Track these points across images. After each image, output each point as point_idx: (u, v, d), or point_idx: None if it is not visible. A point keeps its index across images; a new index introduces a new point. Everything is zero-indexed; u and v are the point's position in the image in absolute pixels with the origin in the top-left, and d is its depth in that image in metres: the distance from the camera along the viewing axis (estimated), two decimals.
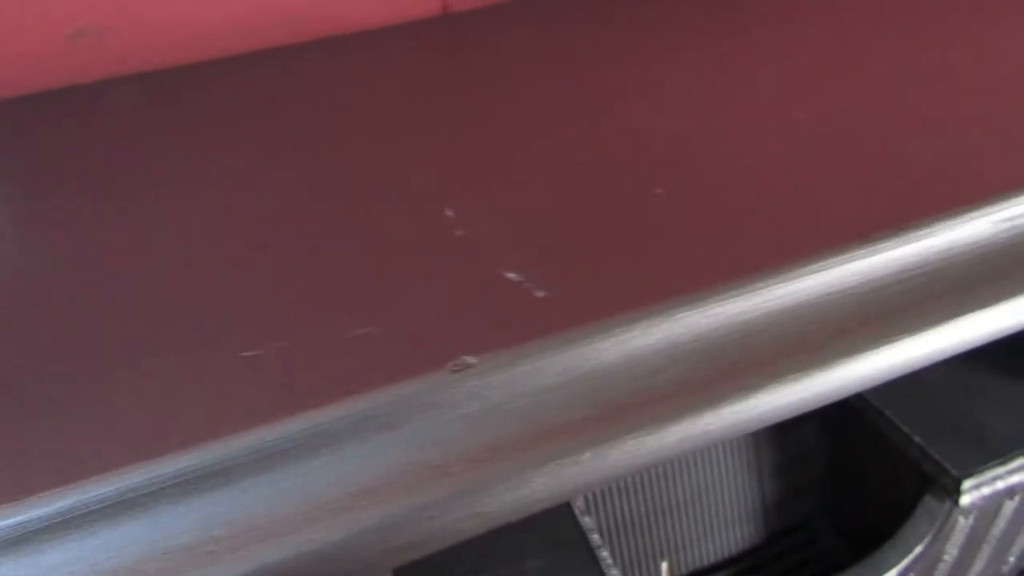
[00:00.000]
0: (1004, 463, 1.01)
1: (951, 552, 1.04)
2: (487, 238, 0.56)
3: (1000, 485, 1.01)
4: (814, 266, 0.52)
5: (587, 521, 0.96)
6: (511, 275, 0.53)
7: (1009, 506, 1.04)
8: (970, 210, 0.55)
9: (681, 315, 0.51)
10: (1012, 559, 1.13)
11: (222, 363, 0.49)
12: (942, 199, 0.56)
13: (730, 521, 1.19)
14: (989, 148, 0.61)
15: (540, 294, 0.51)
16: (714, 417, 0.50)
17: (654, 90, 0.72)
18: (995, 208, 0.55)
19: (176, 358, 0.49)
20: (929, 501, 1.03)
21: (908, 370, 0.53)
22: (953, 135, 0.63)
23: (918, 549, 1.01)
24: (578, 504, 0.99)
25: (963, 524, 1.03)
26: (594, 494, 1.09)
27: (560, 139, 0.66)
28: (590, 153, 0.64)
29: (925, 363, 0.52)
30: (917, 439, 1.04)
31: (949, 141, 0.62)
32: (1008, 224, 0.56)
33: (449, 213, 0.58)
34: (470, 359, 0.47)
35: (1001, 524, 1.06)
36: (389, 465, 0.46)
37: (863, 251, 0.53)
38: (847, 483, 1.20)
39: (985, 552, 1.08)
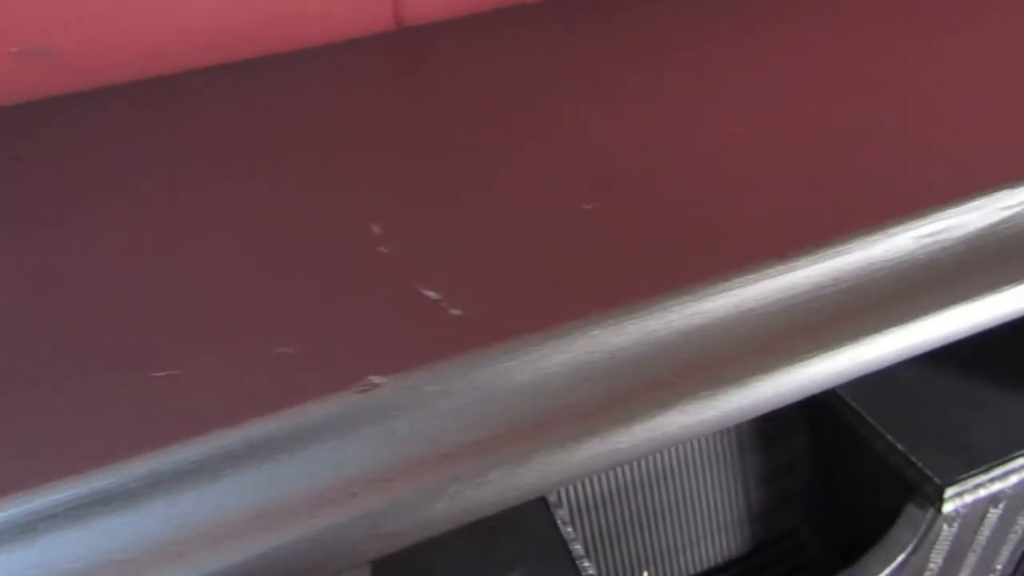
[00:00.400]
0: (987, 471, 1.00)
1: (936, 561, 1.03)
2: (411, 255, 0.56)
3: (983, 493, 1.00)
4: (728, 283, 0.52)
5: (569, 531, 0.96)
6: (430, 293, 0.52)
7: (994, 514, 1.03)
8: (891, 225, 0.54)
9: (594, 333, 0.50)
10: (999, 567, 1.12)
11: (134, 384, 0.48)
12: (864, 214, 0.55)
13: (715, 530, 1.18)
14: (915, 162, 0.60)
15: (456, 312, 0.51)
16: (626, 435, 0.50)
17: (602, 106, 0.71)
18: (916, 223, 0.55)
19: (88, 379, 0.49)
20: (912, 509, 1.02)
21: (824, 387, 0.52)
22: (879, 148, 0.62)
23: (901, 557, 1.00)
24: (560, 513, 0.98)
25: (947, 532, 1.02)
26: (577, 503, 1.09)
27: (501, 155, 0.65)
28: (529, 169, 0.63)
29: (842, 380, 0.51)
30: (900, 447, 1.03)
31: (876, 154, 0.61)
32: (930, 240, 0.55)
33: (376, 230, 0.58)
34: (378, 379, 0.47)
35: (986, 532, 1.05)
36: (293, 487, 0.46)
37: (779, 268, 0.52)
38: (833, 491, 1.19)
39: (971, 560, 1.08)
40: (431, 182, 0.62)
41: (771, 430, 1.15)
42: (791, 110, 0.67)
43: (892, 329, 0.53)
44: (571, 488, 1.06)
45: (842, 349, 0.52)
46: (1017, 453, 1.01)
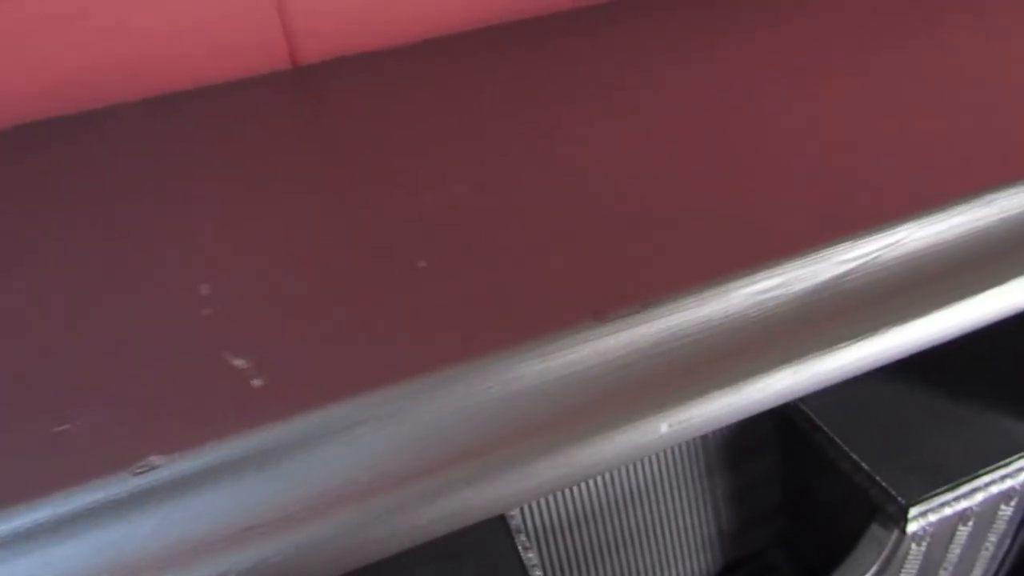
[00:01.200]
0: (952, 489, 0.96)
1: None
2: (232, 319, 0.52)
3: (949, 511, 0.96)
4: (547, 347, 0.48)
5: (531, 557, 0.93)
6: (237, 362, 0.49)
7: (963, 532, 1.00)
8: (723, 282, 0.50)
9: (398, 405, 0.47)
10: None
11: None
12: (695, 270, 0.51)
13: (685, 552, 1.16)
14: (759, 215, 0.56)
15: (257, 383, 0.48)
16: (429, 511, 0.46)
17: (473, 155, 0.67)
18: (751, 279, 0.51)
19: None
20: (876, 529, 1.00)
21: (645, 454, 0.48)
22: (716, 200, 0.58)
23: None
24: (521, 539, 0.96)
25: (916, 551, 0.99)
26: (542, 527, 1.06)
27: (357, 209, 0.61)
28: (376, 225, 0.60)
29: (669, 445, 0.48)
30: (865, 466, 1.00)
31: (712, 205, 0.57)
32: (764, 296, 0.51)
33: (205, 290, 0.55)
34: (157, 460, 0.44)
35: (956, 550, 1.02)
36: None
37: (600, 330, 0.49)
38: (803, 511, 1.17)
39: None
40: (280, 236, 0.59)
41: (740, 450, 1.13)
42: (630, 159, 0.63)
43: (724, 389, 0.49)
44: (534, 512, 1.04)
45: (670, 411, 0.48)
46: (982, 471, 0.97)
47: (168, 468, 0.43)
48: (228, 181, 0.64)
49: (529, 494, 0.44)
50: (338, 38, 0.74)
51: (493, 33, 0.86)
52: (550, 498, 1.04)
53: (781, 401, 0.47)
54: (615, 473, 1.08)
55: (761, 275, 0.48)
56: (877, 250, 0.50)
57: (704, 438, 1.11)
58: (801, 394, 0.47)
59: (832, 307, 0.50)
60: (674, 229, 0.53)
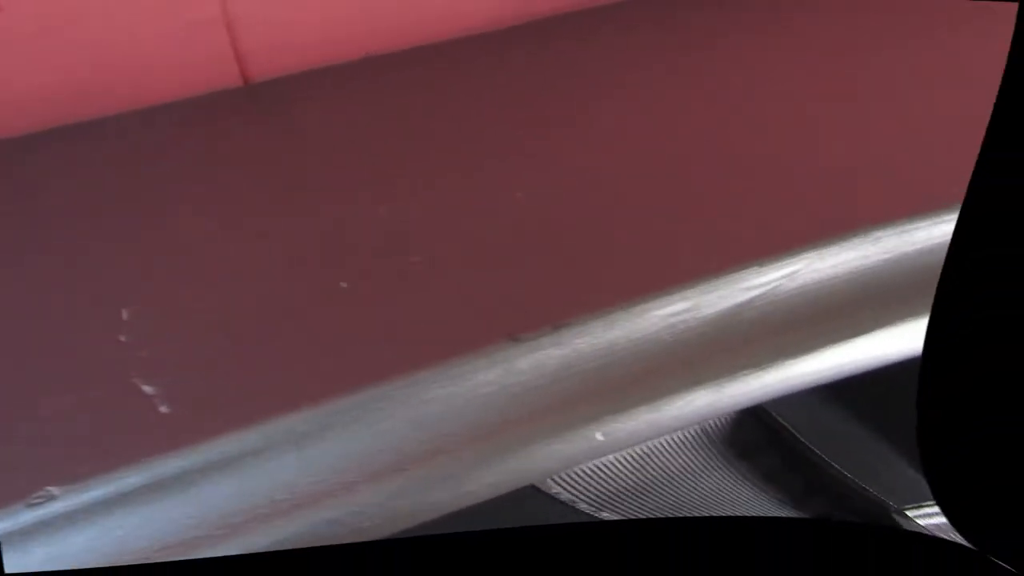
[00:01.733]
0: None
1: None
2: (148, 344, 0.52)
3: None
4: (456, 369, 0.48)
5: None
6: (147, 388, 0.49)
7: None
8: (633, 304, 0.50)
9: (303, 431, 0.46)
10: None
11: None
12: (605, 292, 0.50)
13: None
14: (664, 237, 0.55)
15: (164, 410, 0.47)
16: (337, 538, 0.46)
17: (418, 173, 0.66)
18: (660, 302, 0.50)
19: None
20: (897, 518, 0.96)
21: (550, 475, 0.47)
22: (625, 221, 0.57)
23: None
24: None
25: None
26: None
27: (288, 229, 0.61)
28: (308, 246, 0.59)
29: (574, 464, 0.47)
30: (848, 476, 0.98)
31: (620, 228, 0.56)
32: (675, 319, 0.50)
33: (125, 315, 0.54)
34: (54, 491, 0.44)
35: None
36: None
37: (512, 351, 0.48)
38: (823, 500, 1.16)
39: None
40: (204, 260, 0.58)
41: (746, 448, 1.11)
42: (546, 179, 0.62)
43: (635, 411, 0.48)
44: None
45: (582, 431, 0.48)
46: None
47: (65, 499, 0.42)
48: (178, 199, 0.64)
49: (452, 507, 0.44)
50: (291, 54, 0.73)
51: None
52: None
53: (692, 424, 0.46)
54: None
55: (674, 297, 0.48)
56: (779, 278, 0.50)
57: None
58: (716, 416, 0.47)
59: (742, 332, 0.49)
60: (583, 251, 0.52)
